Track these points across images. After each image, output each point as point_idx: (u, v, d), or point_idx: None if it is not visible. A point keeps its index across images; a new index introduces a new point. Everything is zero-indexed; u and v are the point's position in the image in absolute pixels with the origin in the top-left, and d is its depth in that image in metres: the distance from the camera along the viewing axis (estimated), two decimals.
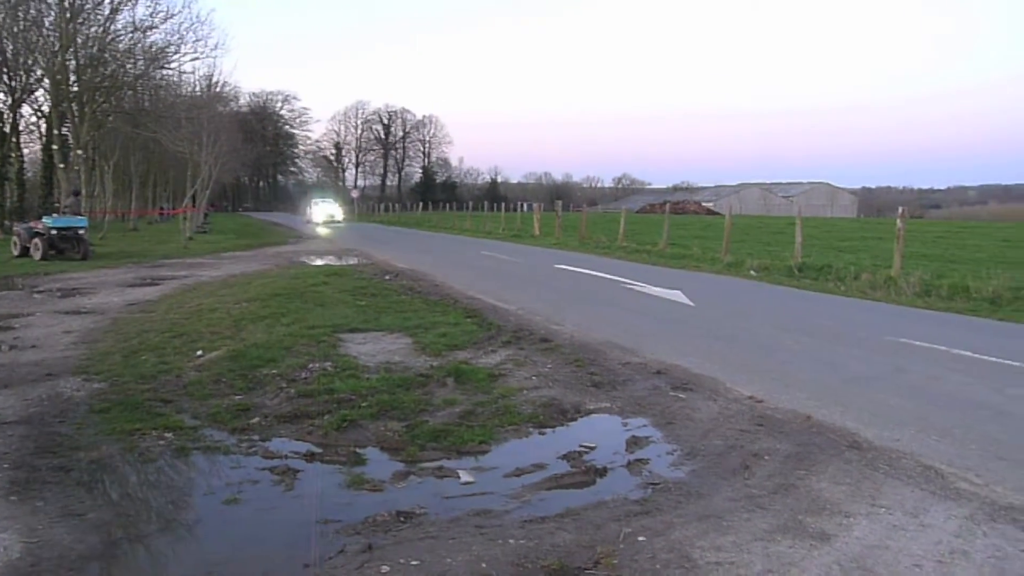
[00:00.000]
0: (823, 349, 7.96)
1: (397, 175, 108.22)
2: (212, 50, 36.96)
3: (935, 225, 43.40)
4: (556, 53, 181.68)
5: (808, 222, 21.31)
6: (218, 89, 33.82)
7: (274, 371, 6.54)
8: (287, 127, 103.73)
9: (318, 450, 4.78)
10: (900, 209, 14.68)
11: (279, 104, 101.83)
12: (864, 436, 5.01)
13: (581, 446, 4.87)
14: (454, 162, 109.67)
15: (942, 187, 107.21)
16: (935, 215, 75.01)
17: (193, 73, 32.60)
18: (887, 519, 3.75)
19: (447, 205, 59.48)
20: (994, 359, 7.34)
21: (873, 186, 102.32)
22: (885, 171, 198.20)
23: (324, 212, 47.19)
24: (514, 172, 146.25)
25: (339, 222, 45.67)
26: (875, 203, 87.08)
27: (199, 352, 7.25)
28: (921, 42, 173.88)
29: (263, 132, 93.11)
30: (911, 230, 24.46)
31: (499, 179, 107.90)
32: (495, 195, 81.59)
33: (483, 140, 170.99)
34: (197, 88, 31.84)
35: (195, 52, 27.17)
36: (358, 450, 4.76)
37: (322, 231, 36.60)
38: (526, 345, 7.83)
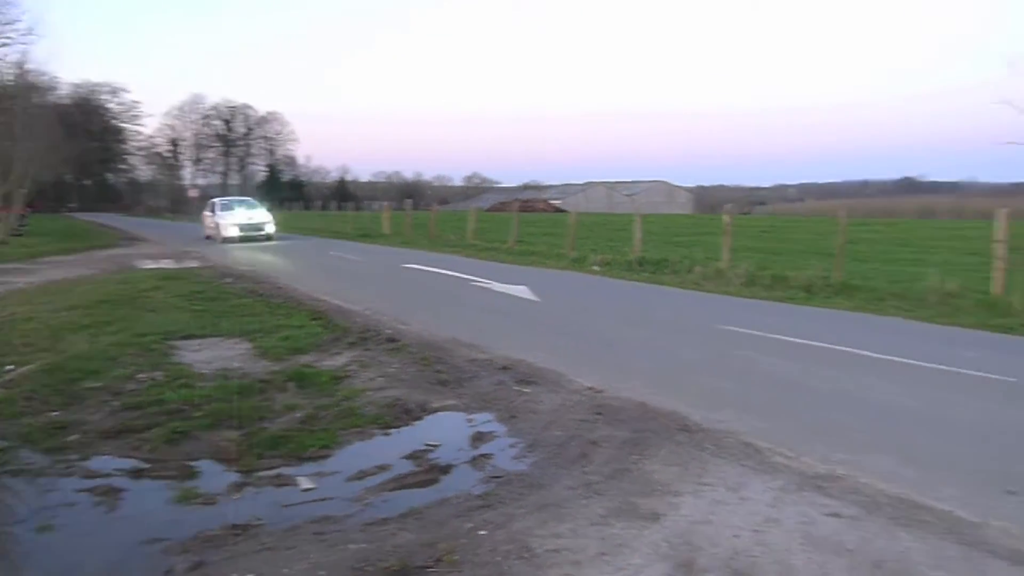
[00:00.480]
0: (659, 339, 8.39)
1: (240, 173, 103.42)
2: (24, 35, 33.69)
3: (761, 220, 46.82)
4: (405, 50, 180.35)
5: (648, 219, 22.37)
6: (32, 78, 30.92)
7: (97, 384, 6.08)
8: (115, 121, 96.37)
9: (145, 466, 4.49)
10: (727, 206, 15.75)
11: (106, 96, 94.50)
12: (693, 419, 5.32)
13: (426, 445, 4.87)
14: (301, 160, 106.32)
15: (767, 185, 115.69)
16: (761, 211, 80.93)
17: (1, 60, 29.52)
18: (711, 495, 4.01)
19: (294, 204, 57.53)
20: (806, 342, 8.02)
21: (708, 184, 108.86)
22: (718, 170, 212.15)
23: (242, 222, 26.51)
24: (364, 171, 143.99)
25: (269, 235, 26.66)
26: (709, 200, 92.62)
27: (9, 367, 6.62)
28: (755, 54, 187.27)
29: (88, 126, 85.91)
30: (741, 225, 26.26)
31: (348, 178, 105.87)
32: (344, 194, 79.80)
33: (332, 138, 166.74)
34: (8, 76, 28.97)
35: (3, 36, 24.68)
36: (190, 463, 4.52)
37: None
38: (372, 346, 7.72)
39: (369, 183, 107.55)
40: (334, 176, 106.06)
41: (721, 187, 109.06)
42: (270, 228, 26.87)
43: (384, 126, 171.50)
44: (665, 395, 5.93)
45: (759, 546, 3.43)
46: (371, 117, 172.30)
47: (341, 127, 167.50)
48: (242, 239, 25.76)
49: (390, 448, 4.85)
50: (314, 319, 9.25)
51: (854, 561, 3.31)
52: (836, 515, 3.77)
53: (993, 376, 6.57)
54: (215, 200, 29.45)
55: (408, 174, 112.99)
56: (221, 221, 26.34)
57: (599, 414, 5.44)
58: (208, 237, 27.45)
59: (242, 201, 29.62)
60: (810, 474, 4.31)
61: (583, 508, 3.85)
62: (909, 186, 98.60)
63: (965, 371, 6.74)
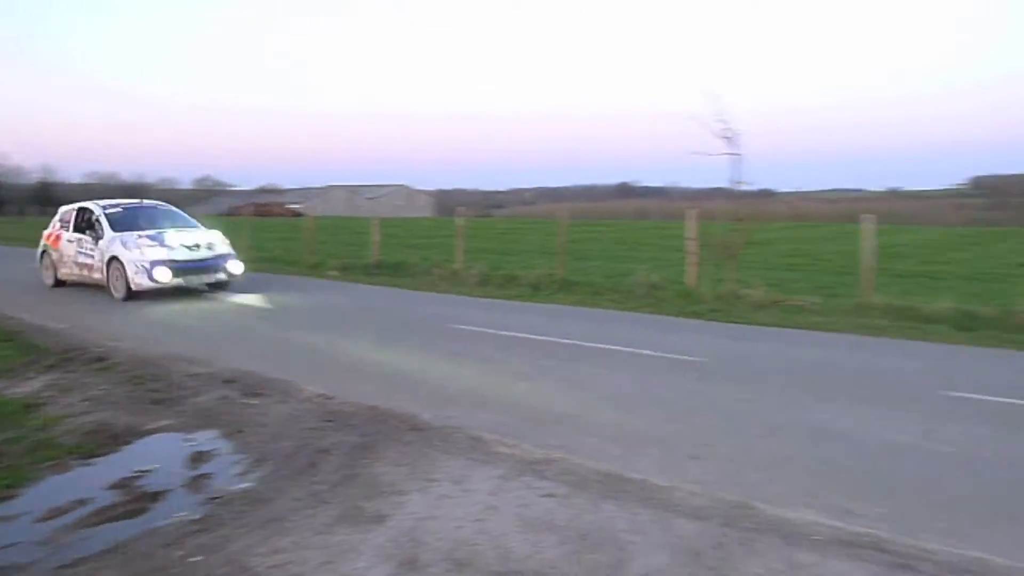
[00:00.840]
0: (391, 340, 8.44)
1: None
2: None
3: (499, 222, 49.04)
4: (118, 34, 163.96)
5: (388, 222, 22.48)
6: None
7: None
8: None
9: None
10: (460, 209, 16.30)
11: None
12: (423, 418, 5.42)
13: (135, 471, 4.46)
14: None
15: (504, 189, 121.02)
16: (500, 213, 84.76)
17: None
18: (437, 491, 4.11)
19: None
20: (530, 335, 8.53)
21: (448, 188, 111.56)
22: (459, 175, 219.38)
23: (180, 256, 12.05)
24: (74, 171, 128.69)
25: (231, 277, 12.62)
26: (450, 203, 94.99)
27: None
28: (490, 62, 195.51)
29: None
30: (479, 227, 27.31)
31: (54, 179, 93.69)
32: (47, 197, 70.62)
33: (32, 135, 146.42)
34: None
35: None
36: None
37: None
38: (77, 367, 6.93)
39: (81, 185, 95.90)
40: (36, 177, 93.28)
41: (461, 191, 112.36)
42: (235, 266, 12.67)
43: (99, 123, 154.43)
44: (397, 396, 5.98)
45: (480, 534, 3.58)
46: (82, 113, 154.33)
47: (44, 124, 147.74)
48: (180, 288, 12.24)
49: (92, 479, 4.39)
50: (4, 340, 8.10)
51: (564, 536, 3.57)
52: (551, 495, 4.05)
53: (686, 357, 7.45)
54: (92, 209, 13.20)
55: (127, 175, 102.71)
56: (125, 254, 11.90)
57: (330, 421, 5.36)
58: (60, 283, 13.66)
59: (161, 211, 13.85)
60: (529, 460, 4.59)
61: (308, 519, 3.77)
62: (627, 190, 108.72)
63: (665, 354, 7.58)
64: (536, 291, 12.58)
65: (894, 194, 66.91)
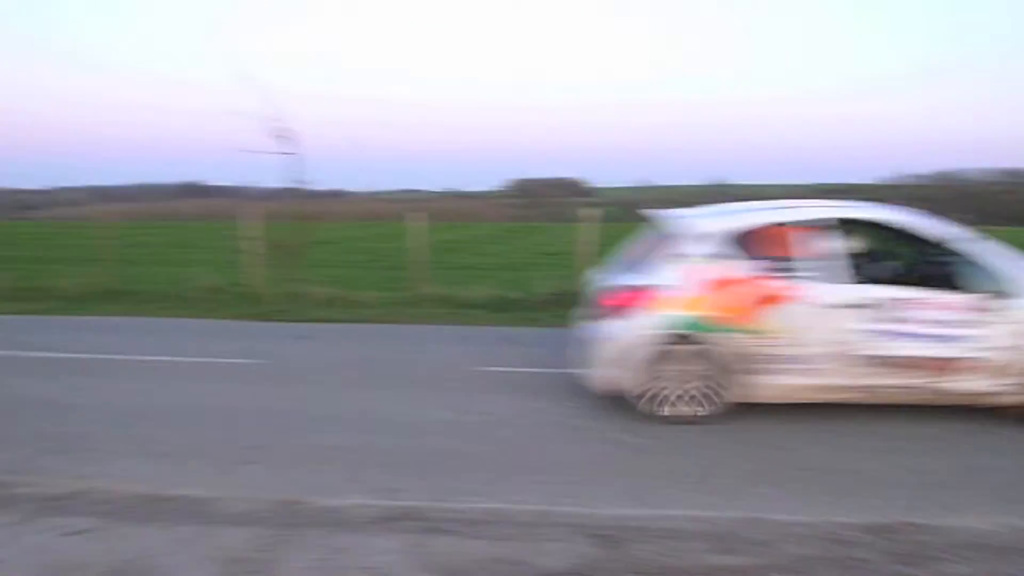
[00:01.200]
0: None
1: None
2: None
3: (32, 226, 42.13)
4: None
5: None
6: None
7: None
8: None
9: None
10: None
11: None
12: None
13: None
14: None
15: (44, 187, 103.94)
16: (36, 215, 73.05)
17: None
18: None
19: None
20: (62, 354, 7.52)
21: None
22: None
23: None
24: None
25: None
26: None
27: None
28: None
29: None
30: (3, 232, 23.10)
31: None
32: None
33: None
34: None
35: None
36: None
37: None
38: None
39: None
40: None
41: None
42: None
43: None
44: None
45: None
46: None
47: None
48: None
49: None
50: None
51: (94, 573, 3.23)
52: (80, 532, 3.64)
53: (246, 361, 7.28)
54: (919, 226, 5.44)
55: None
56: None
57: None
58: (725, 401, 5.38)
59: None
60: (53, 496, 4.05)
61: None
62: (194, 190, 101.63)
63: (222, 360, 7.31)
64: (79, 303, 11.10)
65: (450, 194, 73.52)
